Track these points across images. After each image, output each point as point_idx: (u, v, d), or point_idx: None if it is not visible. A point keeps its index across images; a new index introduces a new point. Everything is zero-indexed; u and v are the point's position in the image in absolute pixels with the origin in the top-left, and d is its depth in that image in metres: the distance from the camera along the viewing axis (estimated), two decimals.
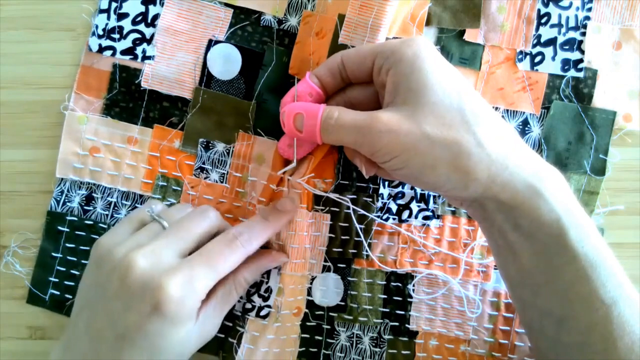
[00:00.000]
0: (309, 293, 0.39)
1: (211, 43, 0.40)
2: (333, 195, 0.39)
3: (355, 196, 0.39)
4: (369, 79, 0.34)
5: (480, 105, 0.31)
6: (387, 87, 0.32)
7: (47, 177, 0.40)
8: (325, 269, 0.39)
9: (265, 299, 0.39)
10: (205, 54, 0.40)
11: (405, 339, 0.39)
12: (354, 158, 0.35)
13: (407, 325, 0.39)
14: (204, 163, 0.40)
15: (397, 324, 0.39)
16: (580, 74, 0.40)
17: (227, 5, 0.40)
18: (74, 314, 0.34)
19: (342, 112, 0.32)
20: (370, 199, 0.39)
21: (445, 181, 0.30)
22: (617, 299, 0.29)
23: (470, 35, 0.40)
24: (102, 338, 0.31)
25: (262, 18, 0.40)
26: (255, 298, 0.39)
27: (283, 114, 0.34)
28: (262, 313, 0.39)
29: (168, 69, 0.40)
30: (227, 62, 0.40)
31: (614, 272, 0.29)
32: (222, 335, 0.39)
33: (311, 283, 0.39)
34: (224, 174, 0.40)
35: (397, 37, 0.39)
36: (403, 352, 0.39)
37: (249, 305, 0.39)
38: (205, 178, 0.40)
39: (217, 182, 0.40)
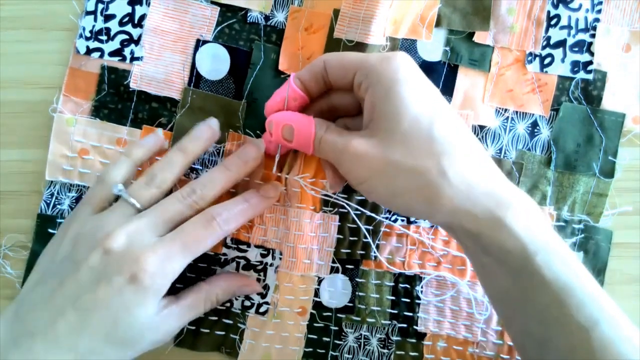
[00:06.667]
0: (317, 294, 0.39)
1: (199, 43, 0.39)
2: (334, 197, 0.39)
3: (363, 197, 0.39)
4: (351, 89, 0.34)
5: (453, 131, 0.31)
6: (365, 105, 0.32)
7: (43, 177, 0.40)
8: (333, 270, 0.39)
9: (263, 296, 0.39)
10: (194, 54, 0.39)
11: (414, 340, 0.39)
12: (324, 169, 0.36)
13: (415, 327, 0.39)
14: (194, 163, 0.39)
15: (405, 325, 0.39)
16: (590, 76, 0.40)
17: (213, 2, 0.40)
18: (28, 286, 0.33)
19: (328, 130, 0.33)
20: None
21: (411, 208, 0.31)
22: (597, 320, 0.28)
23: (479, 37, 0.40)
24: (62, 310, 0.30)
25: (248, 15, 0.40)
26: (254, 295, 0.39)
27: (270, 124, 0.34)
28: (261, 310, 0.39)
29: (156, 69, 0.39)
30: (215, 62, 0.39)
31: (592, 294, 0.29)
32: (222, 333, 0.39)
33: (319, 284, 0.39)
34: None
35: (406, 38, 0.39)
36: (411, 353, 0.39)
37: (247, 303, 0.39)
38: (195, 178, 0.39)
39: None
